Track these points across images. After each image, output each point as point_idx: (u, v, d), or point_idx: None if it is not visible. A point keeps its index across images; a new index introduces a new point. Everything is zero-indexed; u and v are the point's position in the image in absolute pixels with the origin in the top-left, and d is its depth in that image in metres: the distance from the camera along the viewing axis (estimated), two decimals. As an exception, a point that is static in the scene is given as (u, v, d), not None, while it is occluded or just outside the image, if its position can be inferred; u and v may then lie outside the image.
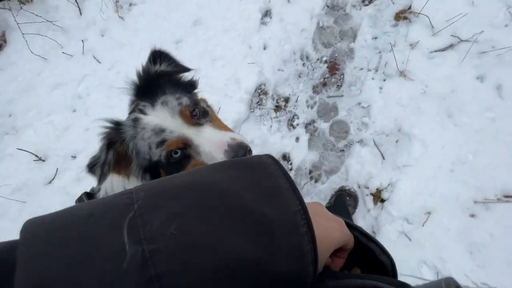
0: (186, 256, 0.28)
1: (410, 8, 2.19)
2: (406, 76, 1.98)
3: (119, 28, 2.28)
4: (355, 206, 1.83)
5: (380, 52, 2.15)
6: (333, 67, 2.21)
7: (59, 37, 2.28)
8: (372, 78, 2.10)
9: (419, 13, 2.09)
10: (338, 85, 2.17)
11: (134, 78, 0.88)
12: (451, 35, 2.00)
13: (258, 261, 0.30)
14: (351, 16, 2.34)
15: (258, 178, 0.36)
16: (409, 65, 1.99)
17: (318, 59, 2.24)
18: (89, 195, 0.85)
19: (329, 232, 0.42)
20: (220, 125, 0.91)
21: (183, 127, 0.81)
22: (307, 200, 0.46)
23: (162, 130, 0.79)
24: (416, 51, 2.04)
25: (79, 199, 0.78)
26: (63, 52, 2.19)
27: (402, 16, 2.21)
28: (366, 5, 2.36)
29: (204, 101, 0.99)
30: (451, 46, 1.99)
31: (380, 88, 2.04)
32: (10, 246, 0.30)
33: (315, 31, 2.29)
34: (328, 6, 2.38)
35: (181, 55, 0.95)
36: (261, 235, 0.31)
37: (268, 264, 0.31)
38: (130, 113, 0.87)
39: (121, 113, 0.92)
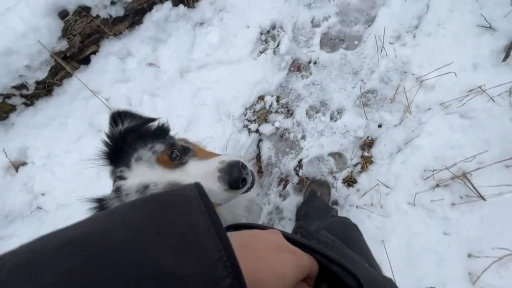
0: None
1: None
2: None
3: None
4: (329, 193, 1.80)
5: None
6: None
7: None
8: None
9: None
10: None
11: (102, 147, 0.84)
12: None
13: None
14: None
15: (172, 220, 0.28)
16: None
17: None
18: None
19: (279, 269, 0.34)
20: (206, 154, 0.82)
21: (166, 173, 0.74)
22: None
23: (145, 187, 0.72)
24: None
25: None
26: None
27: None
28: None
29: (183, 139, 0.91)
30: None
31: None
32: None
33: None
34: None
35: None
36: None
37: None
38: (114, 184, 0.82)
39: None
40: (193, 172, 0.73)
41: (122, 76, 1.95)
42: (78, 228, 0.28)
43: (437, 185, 1.71)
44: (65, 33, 1.73)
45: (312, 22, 2.31)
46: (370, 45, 2.15)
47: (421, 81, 1.91)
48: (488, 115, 1.78)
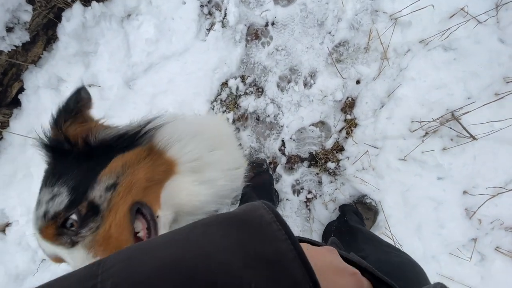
0: None
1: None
2: None
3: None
4: (374, 220, 1.68)
5: None
6: None
7: None
8: None
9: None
10: None
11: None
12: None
13: None
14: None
15: (258, 247, 0.28)
16: None
17: None
18: None
19: None
20: (111, 234, 0.55)
21: (50, 245, 0.56)
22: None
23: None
24: None
25: None
26: None
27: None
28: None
29: (109, 174, 0.58)
30: None
31: None
32: None
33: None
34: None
35: None
36: None
37: None
38: None
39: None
40: (74, 264, 0.55)
41: (64, 108, 1.71)
42: (169, 249, 0.28)
43: (426, 133, 1.64)
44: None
45: (257, -29, 1.90)
46: (330, -16, 1.80)
47: (395, 19, 1.64)
48: (474, 41, 1.58)
